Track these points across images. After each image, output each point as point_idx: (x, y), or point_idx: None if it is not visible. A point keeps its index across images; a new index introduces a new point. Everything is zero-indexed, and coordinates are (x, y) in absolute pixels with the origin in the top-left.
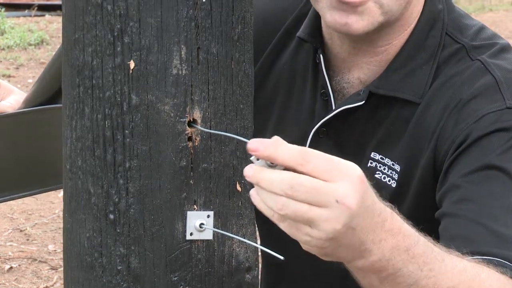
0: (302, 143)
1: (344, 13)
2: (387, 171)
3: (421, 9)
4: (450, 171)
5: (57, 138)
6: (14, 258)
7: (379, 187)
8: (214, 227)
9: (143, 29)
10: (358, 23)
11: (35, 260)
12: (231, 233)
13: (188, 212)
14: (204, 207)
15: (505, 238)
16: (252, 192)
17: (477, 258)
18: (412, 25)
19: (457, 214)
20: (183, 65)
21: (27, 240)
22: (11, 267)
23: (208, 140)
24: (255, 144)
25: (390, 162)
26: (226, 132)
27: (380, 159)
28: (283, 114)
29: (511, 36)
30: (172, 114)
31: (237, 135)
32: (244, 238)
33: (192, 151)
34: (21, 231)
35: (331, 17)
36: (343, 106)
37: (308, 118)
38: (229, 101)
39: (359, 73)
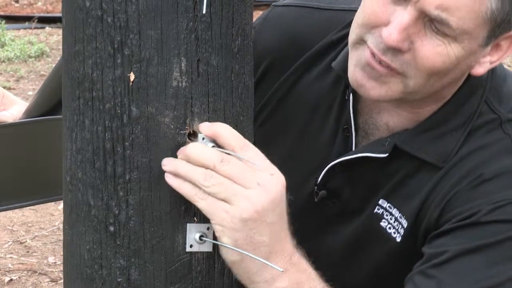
0: (316, 170)
1: (365, 75)
2: (394, 222)
3: (462, 83)
4: (446, 236)
5: (57, 149)
6: (14, 270)
7: (384, 237)
8: (213, 239)
9: (143, 41)
10: (375, 90)
11: (35, 272)
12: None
13: (188, 224)
14: (204, 219)
15: None
16: (170, 176)
17: None
18: (450, 96)
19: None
20: (183, 77)
21: (27, 252)
22: (11, 279)
23: None
24: (205, 123)
25: (397, 214)
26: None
27: (388, 208)
28: (302, 135)
29: None
30: (172, 126)
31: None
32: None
33: None
34: (21, 243)
35: (352, 73)
36: (365, 153)
37: (326, 148)
38: (229, 113)
39: (388, 118)
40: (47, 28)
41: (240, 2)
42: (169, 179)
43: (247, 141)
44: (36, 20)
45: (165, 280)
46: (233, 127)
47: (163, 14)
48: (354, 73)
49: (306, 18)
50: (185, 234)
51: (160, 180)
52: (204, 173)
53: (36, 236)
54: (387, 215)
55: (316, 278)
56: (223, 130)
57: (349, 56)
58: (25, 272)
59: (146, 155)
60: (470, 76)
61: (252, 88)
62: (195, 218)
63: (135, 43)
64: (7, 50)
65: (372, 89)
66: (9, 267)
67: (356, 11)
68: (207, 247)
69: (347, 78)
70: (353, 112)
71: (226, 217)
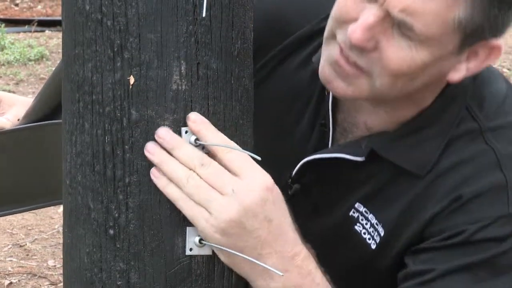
0: (290, 163)
1: (333, 73)
2: (369, 228)
3: (444, 87)
4: (431, 252)
5: (56, 153)
6: (14, 273)
7: (357, 242)
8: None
9: (143, 44)
10: (343, 89)
11: (35, 275)
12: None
13: (188, 228)
14: None
15: None
16: (155, 173)
17: None
18: (429, 102)
19: None
20: (183, 80)
21: (27, 255)
22: (11, 283)
23: None
24: (196, 116)
25: (374, 220)
26: (224, 144)
27: (364, 212)
28: (278, 126)
29: (510, 51)
30: (171, 130)
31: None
32: None
33: None
34: (20, 246)
35: (322, 68)
36: (341, 153)
37: (302, 141)
38: (229, 117)
39: (366, 117)
40: (47, 32)
41: (240, 5)
42: (155, 178)
43: (232, 143)
44: (35, 24)
45: (165, 283)
46: (233, 130)
47: (163, 17)
48: (324, 69)
49: (289, 1)
50: (185, 237)
51: None
52: (185, 172)
53: (35, 239)
54: (362, 220)
55: (321, 284)
56: (207, 133)
57: (322, 51)
58: (25, 275)
59: (146, 158)
60: (448, 88)
61: (252, 91)
62: None
63: (134, 47)
64: (6, 54)
65: (338, 87)
66: (9, 270)
67: None
68: (206, 251)
69: None
70: (332, 108)
71: (206, 226)
